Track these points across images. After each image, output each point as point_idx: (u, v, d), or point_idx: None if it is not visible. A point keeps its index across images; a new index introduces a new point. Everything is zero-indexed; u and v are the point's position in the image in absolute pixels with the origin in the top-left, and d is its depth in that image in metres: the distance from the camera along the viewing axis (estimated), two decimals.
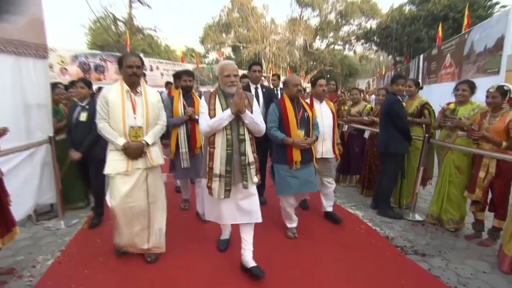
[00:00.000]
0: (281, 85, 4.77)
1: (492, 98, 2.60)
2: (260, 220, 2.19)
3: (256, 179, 2.16)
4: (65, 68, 12.68)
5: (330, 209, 3.20)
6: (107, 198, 2.23)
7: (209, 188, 2.13)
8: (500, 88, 2.57)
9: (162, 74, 15.40)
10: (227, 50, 30.49)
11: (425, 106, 3.44)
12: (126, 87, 2.20)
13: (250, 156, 2.12)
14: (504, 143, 2.48)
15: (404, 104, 3.52)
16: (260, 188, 3.34)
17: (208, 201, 2.29)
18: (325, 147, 2.98)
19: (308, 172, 2.66)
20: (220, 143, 2.08)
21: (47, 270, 2.25)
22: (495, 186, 2.59)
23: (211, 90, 2.25)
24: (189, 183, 3.51)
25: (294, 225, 2.87)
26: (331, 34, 28.14)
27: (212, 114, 2.09)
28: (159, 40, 28.34)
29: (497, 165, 2.56)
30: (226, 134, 2.07)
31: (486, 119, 2.67)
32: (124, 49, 18.42)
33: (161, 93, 2.94)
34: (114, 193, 2.19)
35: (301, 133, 2.62)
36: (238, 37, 27.22)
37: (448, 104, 3.06)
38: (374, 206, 3.45)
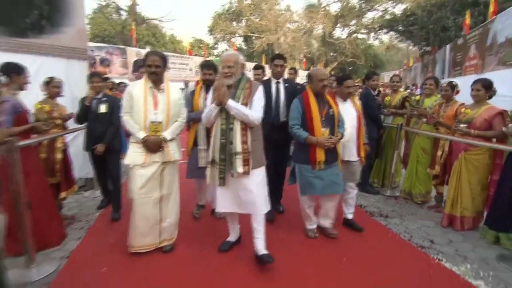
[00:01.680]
0: (298, 80, 5.48)
1: (445, 91, 3.68)
2: (261, 213, 2.52)
3: (241, 170, 2.39)
4: None
5: (350, 216, 3.34)
6: (128, 189, 2.66)
7: (206, 175, 2.60)
8: (450, 84, 3.64)
9: (168, 68, 16.80)
10: (238, 41, 31.77)
11: (406, 99, 4.53)
12: (150, 83, 2.60)
13: (238, 146, 2.39)
14: (452, 127, 3.54)
15: (388, 97, 4.65)
16: (277, 195, 3.58)
17: (215, 190, 2.63)
18: (347, 150, 3.09)
19: (333, 173, 2.81)
20: (214, 132, 2.47)
21: (98, 217, 3.54)
22: (447, 162, 3.66)
23: None
24: (205, 186, 3.46)
25: (314, 226, 3.12)
26: (353, 21, 28.94)
27: None
28: (163, 30, 29.98)
29: (449, 145, 3.63)
30: (221, 124, 2.43)
31: (442, 108, 3.75)
32: (129, 41, 20.07)
33: (185, 88, 3.69)
34: (132, 184, 2.61)
35: (326, 131, 2.76)
36: (250, 26, 28.37)
37: (415, 96, 4.15)
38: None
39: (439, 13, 16.87)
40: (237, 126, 2.40)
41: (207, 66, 3.24)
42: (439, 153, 3.73)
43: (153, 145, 2.56)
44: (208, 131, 3.00)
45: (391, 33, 23.85)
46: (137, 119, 2.58)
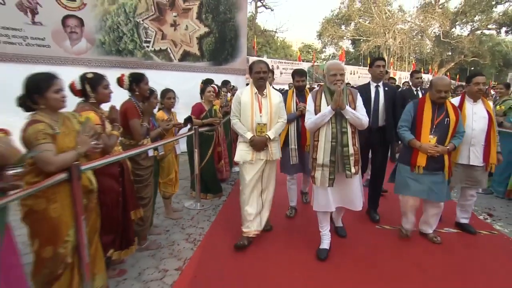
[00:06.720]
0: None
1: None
2: (359, 208, 2.73)
3: (353, 170, 2.57)
4: None
5: (463, 221, 3.33)
6: (240, 182, 3.03)
7: (312, 177, 2.67)
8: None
9: (281, 73, 19.81)
10: (346, 44, 32.95)
11: None
12: (255, 90, 2.91)
13: (351, 148, 2.56)
14: None
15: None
16: (373, 202, 3.64)
17: (315, 191, 2.75)
18: (472, 153, 3.02)
19: (433, 181, 2.79)
20: (324, 136, 2.58)
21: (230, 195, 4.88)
22: None
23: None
24: (296, 189, 3.76)
25: (408, 226, 3.10)
26: (477, 17, 26.92)
27: (318, 110, 2.59)
28: (275, 36, 33.31)
29: None
30: (332, 128, 2.55)
31: None
32: (250, 51, 23.91)
33: (282, 90, 4.57)
34: (241, 178, 3.00)
35: (433, 139, 2.75)
36: (358, 29, 29.30)
37: None
38: None
39: None
40: (349, 130, 2.58)
41: (299, 74, 3.51)
42: None
43: (259, 144, 2.89)
44: (300, 133, 3.39)
45: None
46: (244, 122, 2.94)
